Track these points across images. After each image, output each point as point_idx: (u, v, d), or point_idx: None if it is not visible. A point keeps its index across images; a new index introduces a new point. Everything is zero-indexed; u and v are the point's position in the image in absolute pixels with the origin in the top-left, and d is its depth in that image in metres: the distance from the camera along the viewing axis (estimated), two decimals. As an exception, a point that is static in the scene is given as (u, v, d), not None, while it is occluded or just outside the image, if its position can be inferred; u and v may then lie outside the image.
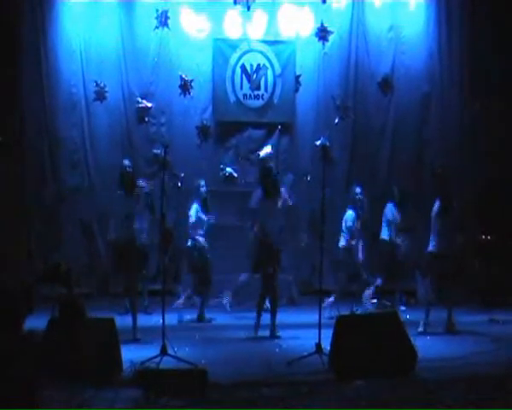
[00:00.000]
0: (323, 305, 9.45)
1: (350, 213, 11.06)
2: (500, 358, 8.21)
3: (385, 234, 11.46)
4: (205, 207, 10.74)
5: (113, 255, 9.58)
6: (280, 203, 9.70)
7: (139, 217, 9.73)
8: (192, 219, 10.63)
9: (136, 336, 9.24)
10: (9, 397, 5.00)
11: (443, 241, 9.75)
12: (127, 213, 9.44)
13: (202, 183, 10.83)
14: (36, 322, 8.36)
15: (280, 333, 9.60)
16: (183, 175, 11.08)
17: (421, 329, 9.69)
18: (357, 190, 11.16)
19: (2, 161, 11.63)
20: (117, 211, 9.59)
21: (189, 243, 10.74)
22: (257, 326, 9.63)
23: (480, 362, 8.03)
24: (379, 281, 11.57)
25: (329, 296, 11.01)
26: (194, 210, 10.65)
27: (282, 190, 10.31)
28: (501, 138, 12.27)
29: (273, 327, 9.61)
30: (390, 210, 11.45)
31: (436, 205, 9.85)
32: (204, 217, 10.71)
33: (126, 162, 10.08)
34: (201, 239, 10.70)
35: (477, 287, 11.56)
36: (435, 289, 9.95)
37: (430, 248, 9.87)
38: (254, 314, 10.41)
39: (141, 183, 10.12)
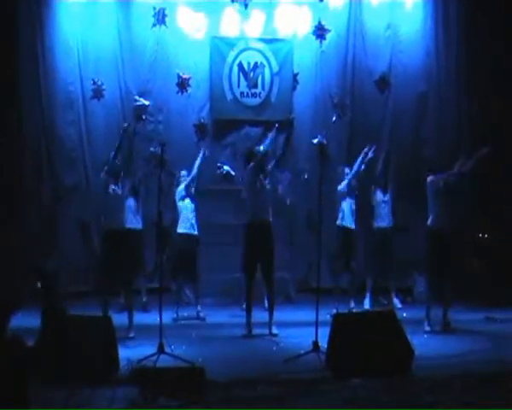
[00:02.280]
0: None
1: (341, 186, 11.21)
2: (497, 356, 8.20)
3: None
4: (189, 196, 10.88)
5: (106, 249, 9.50)
6: (267, 182, 9.67)
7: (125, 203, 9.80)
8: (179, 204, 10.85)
9: (129, 334, 9.22)
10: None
11: (441, 217, 9.70)
12: (116, 205, 9.42)
13: (183, 172, 10.96)
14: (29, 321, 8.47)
15: (277, 331, 9.58)
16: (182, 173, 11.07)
17: (427, 328, 9.67)
18: (346, 170, 11.31)
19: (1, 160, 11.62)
20: (107, 202, 9.54)
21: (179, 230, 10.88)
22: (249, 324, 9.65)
23: (476, 360, 8.03)
24: (370, 283, 11.61)
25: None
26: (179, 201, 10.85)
27: (279, 187, 10.34)
28: (498, 137, 12.25)
29: (270, 325, 9.61)
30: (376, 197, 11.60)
31: (429, 177, 9.83)
32: (190, 206, 10.82)
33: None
34: (189, 227, 10.84)
35: (475, 286, 11.54)
36: (433, 288, 9.95)
37: (428, 224, 9.82)
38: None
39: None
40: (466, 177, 9.84)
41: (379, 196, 11.63)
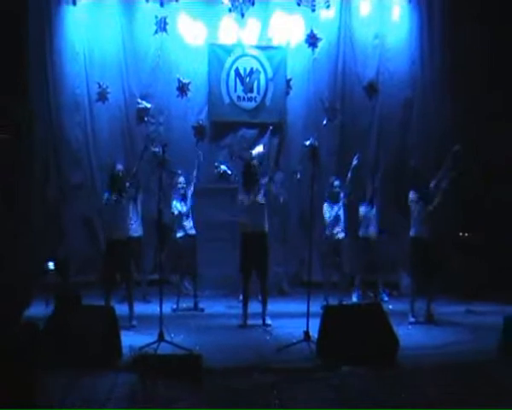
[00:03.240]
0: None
1: (325, 206, 10.95)
2: (477, 346, 8.24)
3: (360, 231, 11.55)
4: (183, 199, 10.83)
5: (109, 256, 9.53)
6: (260, 196, 9.56)
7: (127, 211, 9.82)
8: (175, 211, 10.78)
9: (131, 323, 9.24)
10: (10, 386, 4.98)
11: (422, 226, 9.73)
12: (118, 214, 9.46)
13: (181, 179, 10.93)
14: (37, 311, 8.46)
15: (270, 322, 9.59)
16: (180, 172, 11.04)
17: (412, 320, 9.69)
18: (336, 182, 11.02)
19: (13, 159, 11.57)
20: (108, 212, 9.60)
21: (178, 234, 10.86)
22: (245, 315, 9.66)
23: (457, 350, 8.08)
24: (358, 278, 11.58)
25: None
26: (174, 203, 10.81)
27: (273, 186, 10.30)
28: (483, 140, 12.27)
29: (264, 316, 9.62)
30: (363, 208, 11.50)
31: (411, 193, 9.84)
32: (184, 208, 10.78)
33: (119, 167, 9.97)
34: (188, 229, 10.83)
35: (456, 281, 11.55)
36: (417, 283, 9.97)
37: (411, 234, 9.87)
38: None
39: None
40: (444, 191, 9.81)
41: (365, 207, 11.52)
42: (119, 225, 9.49)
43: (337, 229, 10.88)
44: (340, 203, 10.89)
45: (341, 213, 10.94)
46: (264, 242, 9.62)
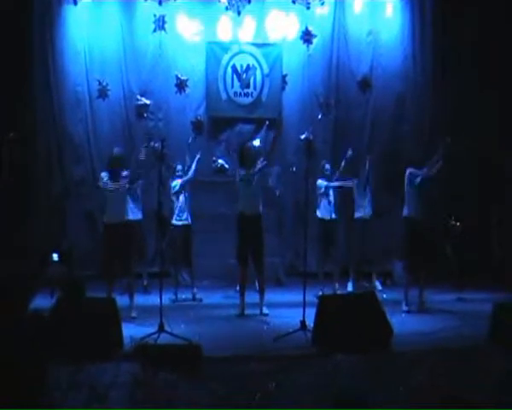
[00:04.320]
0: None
1: (319, 182, 10.99)
2: (467, 333, 8.26)
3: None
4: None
5: (108, 240, 9.45)
6: (256, 177, 9.52)
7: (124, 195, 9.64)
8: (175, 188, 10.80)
9: (132, 314, 9.21)
10: (18, 378, 4.97)
11: (415, 207, 9.67)
12: (116, 197, 9.33)
13: (179, 167, 10.92)
14: (42, 303, 8.46)
15: (267, 311, 9.60)
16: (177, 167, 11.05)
17: (405, 308, 9.69)
18: (327, 166, 11.12)
19: (16, 156, 11.55)
20: (107, 196, 9.43)
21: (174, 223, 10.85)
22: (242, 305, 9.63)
23: (449, 337, 8.10)
24: (353, 268, 11.60)
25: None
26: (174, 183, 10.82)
27: (270, 179, 10.29)
28: (473, 134, 12.29)
29: (261, 305, 9.63)
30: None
31: (408, 172, 9.77)
32: (183, 199, 10.79)
33: (116, 149, 9.76)
34: (185, 220, 10.83)
35: (448, 269, 11.58)
36: (410, 268, 9.96)
37: (404, 214, 9.80)
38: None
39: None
40: (434, 178, 9.79)
41: (359, 191, 11.56)
42: (116, 208, 9.31)
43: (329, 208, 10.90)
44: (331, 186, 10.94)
45: (332, 195, 10.98)
46: (259, 222, 9.56)
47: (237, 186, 9.67)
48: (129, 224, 9.86)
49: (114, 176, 9.32)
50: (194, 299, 10.80)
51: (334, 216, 10.99)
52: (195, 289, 10.90)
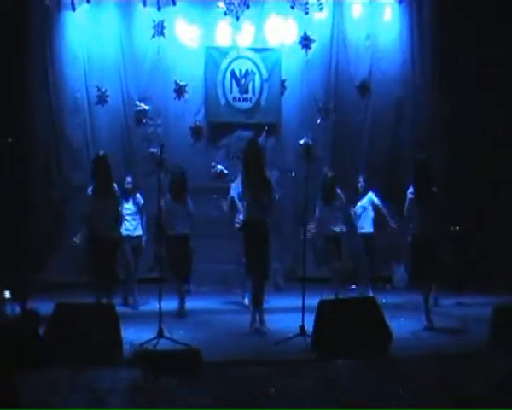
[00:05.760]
0: None
1: (320, 204, 10.68)
2: (467, 337, 8.27)
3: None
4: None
5: (92, 251, 9.41)
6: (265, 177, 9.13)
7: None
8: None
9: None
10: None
11: (422, 226, 9.12)
12: (102, 210, 9.28)
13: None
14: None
15: (267, 330, 9.33)
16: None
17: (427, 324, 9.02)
18: (329, 174, 10.72)
19: (14, 161, 11.55)
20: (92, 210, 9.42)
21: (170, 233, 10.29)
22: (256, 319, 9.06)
23: (448, 341, 8.12)
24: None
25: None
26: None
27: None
28: (470, 138, 12.31)
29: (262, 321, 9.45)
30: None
31: (410, 191, 9.21)
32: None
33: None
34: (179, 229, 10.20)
35: (447, 274, 11.55)
36: (412, 275, 9.86)
37: (411, 231, 9.25)
38: (242, 300, 10.49)
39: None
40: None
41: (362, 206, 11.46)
42: (100, 222, 9.24)
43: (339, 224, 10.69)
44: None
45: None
46: (266, 228, 9.08)
47: (242, 198, 9.37)
48: (112, 240, 9.59)
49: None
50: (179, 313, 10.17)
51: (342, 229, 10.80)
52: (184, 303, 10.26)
